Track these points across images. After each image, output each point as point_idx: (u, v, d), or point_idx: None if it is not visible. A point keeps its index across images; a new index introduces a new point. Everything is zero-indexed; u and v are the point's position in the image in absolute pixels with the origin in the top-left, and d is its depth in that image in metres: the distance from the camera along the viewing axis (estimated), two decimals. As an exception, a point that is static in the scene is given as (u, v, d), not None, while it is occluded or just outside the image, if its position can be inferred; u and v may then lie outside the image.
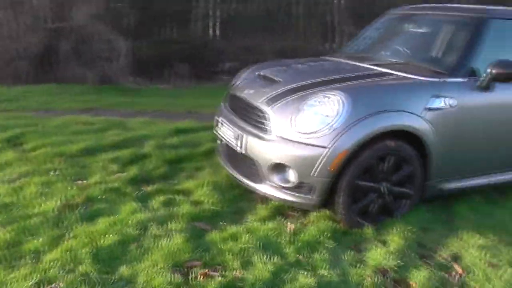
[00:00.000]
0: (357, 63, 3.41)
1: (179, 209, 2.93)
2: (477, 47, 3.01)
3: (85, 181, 3.29)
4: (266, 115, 2.90)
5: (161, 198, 3.08)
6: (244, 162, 3.09)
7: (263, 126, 2.90)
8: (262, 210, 3.02)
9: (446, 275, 2.40)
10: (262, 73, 3.45)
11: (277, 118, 2.83)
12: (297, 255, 2.48)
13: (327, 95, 2.73)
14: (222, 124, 3.33)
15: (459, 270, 2.45)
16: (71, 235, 2.51)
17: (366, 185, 2.77)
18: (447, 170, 3.00)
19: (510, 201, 3.41)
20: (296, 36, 11.76)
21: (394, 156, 2.77)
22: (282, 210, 3.05)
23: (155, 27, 11.92)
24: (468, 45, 3.03)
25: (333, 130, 2.62)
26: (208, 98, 8.00)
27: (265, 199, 3.15)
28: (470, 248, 2.65)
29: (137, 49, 9.88)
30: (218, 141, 3.67)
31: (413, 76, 2.95)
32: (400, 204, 2.92)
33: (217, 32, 11.43)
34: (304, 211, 3.01)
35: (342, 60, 3.63)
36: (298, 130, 2.72)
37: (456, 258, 2.58)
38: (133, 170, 3.52)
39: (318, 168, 2.64)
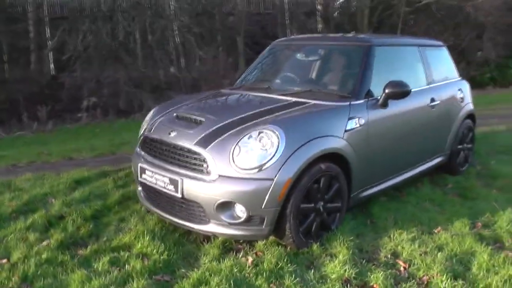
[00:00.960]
0: (266, 95, 3.65)
1: (131, 266, 2.82)
2: (369, 71, 3.51)
3: (8, 260, 2.92)
4: (202, 157, 2.96)
5: (105, 259, 2.91)
6: (183, 206, 3.10)
7: (201, 168, 2.96)
8: (211, 249, 3.06)
9: (396, 272, 2.77)
10: (179, 114, 3.48)
11: (214, 158, 2.91)
12: (270, 285, 2.61)
13: (261, 130, 2.91)
14: (148, 171, 3.26)
15: (403, 264, 2.84)
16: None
17: (308, 207, 3.02)
18: (365, 180, 3.43)
19: (408, 195, 4.03)
20: (145, 64, 11.67)
21: (325, 177, 3.07)
22: (229, 245, 3.14)
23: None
24: (362, 70, 3.50)
25: (275, 162, 2.81)
26: (77, 140, 7.59)
27: (207, 237, 3.20)
28: (402, 243, 3.08)
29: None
30: (139, 188, 3.59)
31: (326, 103, 3.31)
32: (335, 218, 3.24)
33: (68, 67, 10.75)
34: (249, 241, 3.14)
35: (249, 93, 3.84)
36: (239, 166, 2.84)
37: (396, 255, 2.98)
38: (56, 235, 3.24)
39: (267, 200, 2.80)
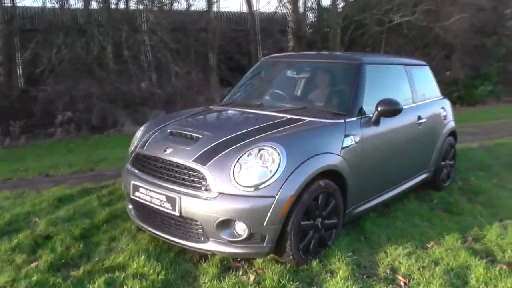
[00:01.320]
0: (260, 112, 3.64)
1: (128, 287, 2.74)
2: (361, 88, 3.58)
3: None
4: (201, 174, 2.93)
5: (100, 280, 2.81)
6: (179, 224, 3.04)
7: (200, 185, 2.92)
8: (209, 268, 3.01)
9: (397, 287, 2.79)
10: (174, 130, 3.43)
11: (214, 175, 2.88)
12: (274, 304, 2.58)
13: (262, 147, 2.90)
14: (142, 188, 3.19)
15: (403, 279, 2.88)
16: None
17: (307, 223, 3.02)
18: (359, 196, 3.47)
19: (396, 211, 4.09)
20: (119, 79, 11.49)
21: (323, 194, 3.09)
22: (227, 263, 3.10)
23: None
24: (355, 88, 3.57)
25: (277, 180, 2.81)
26: (53, 156, 7.40)
27: (203, 255, 3.15)
28: (398, 258, 3.12)
29: None
30: (130, 206, 3.50)
31: (322, 120, 3.34)
32: (331, 234, 3.25)
33: (41, 81, 10.45)
34: (247, 259, 3.11)
35: (242, 110, 3.83)
36: (240, 184, 2.82)
37: (394, 270, 3.01)
38: (45, 256, 3.11)
39: (269, 217, 2.79)
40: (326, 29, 14.31)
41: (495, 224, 3.70)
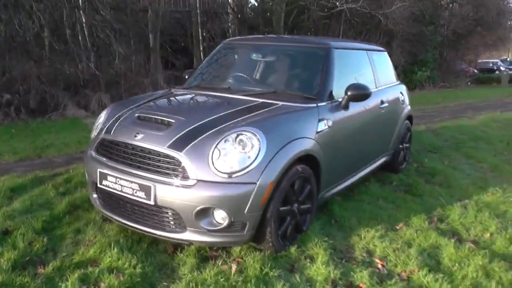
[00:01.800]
0: (230, 95, 3.55)
1: (106, 283, 2.59)
2: (331, 73, 3.59)
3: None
4: (177, 161, 2.81)
5: (73, 276, 2.64)
6: (153, 214, 2.92)
7: (176, 173, 2.80)
8: (187, 259, 2.92)
9: (375, 269, 2.86)
10: (142, 115, 3.26)
11: (192, 162, 2.77)
12: (261, 293, 2.55)
13: (241, 133, 2.82)
14: (111, 177, 3.02)
15: (380, 262, 2.95)
16: None
17: (285, 209, 3.01)
18: (330, 180, 3.50)
19: (360, 194, 4.19)
20: (61, 60, 10.84)
21: (300, 179, 3.08)
22: (204, 253, 3.02)
23: None
24: (325, 72, 3.57)
25: (257, 166, 2.75)
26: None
27: (177, 245, 3.05)
28: (372, 241, 3.20)
29: None
30: (94, 195, 3.32)
31: (295, 104, 3.30)
32: (305, 220, 3.26)
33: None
34: (224, 248, 3.05)
35: (210, 93, 3.71)
36: (220, 170, 2.73)
37: (370, 253, 3.08)
38: (7, 254, 2.86)
39: (250, 204, 2.73)
40: (268, 14, 14.28)
41: (455, 204, 3.90)
